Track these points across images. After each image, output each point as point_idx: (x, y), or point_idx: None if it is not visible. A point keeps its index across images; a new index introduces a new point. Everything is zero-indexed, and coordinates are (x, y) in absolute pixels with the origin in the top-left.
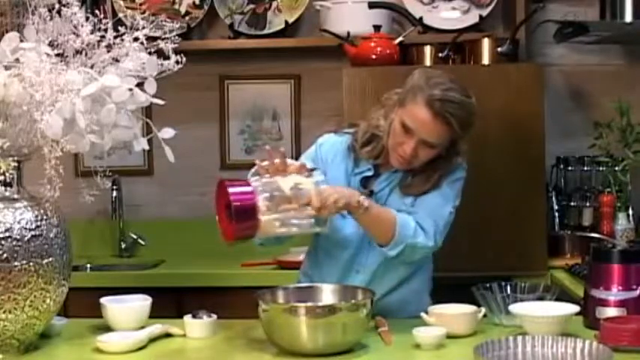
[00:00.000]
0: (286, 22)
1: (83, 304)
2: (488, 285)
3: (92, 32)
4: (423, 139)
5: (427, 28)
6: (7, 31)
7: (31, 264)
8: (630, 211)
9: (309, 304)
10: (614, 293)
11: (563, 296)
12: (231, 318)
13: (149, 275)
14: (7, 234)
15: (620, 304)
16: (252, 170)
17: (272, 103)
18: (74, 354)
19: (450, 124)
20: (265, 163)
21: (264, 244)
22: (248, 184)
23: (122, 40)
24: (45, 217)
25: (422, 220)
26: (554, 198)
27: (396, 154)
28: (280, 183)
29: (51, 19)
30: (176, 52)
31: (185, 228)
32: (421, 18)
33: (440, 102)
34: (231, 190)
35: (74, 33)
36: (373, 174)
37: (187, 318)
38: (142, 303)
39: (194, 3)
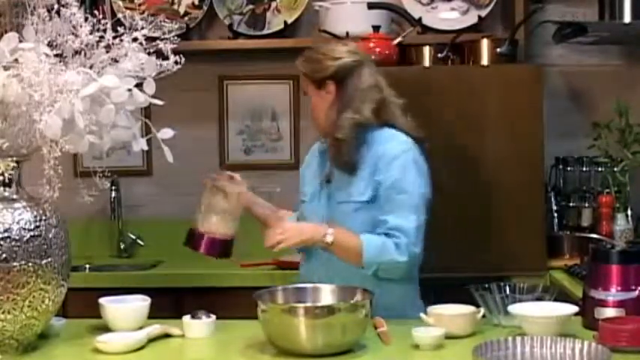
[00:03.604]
0: (285, 22)
1: (82, 305)
2: (487, 285)
3: (91, 33)
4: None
5: (426, 29)
6: (6, 32)
7: (30, 264)
8: (629, 212)
9: (308, 304)
10: (613, 294)
11: (562, 297)
12: (230, 318)
13: (148, 275)
14: (5, 234)
15: (619, 304)
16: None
17: (271, 104)
18: (73, 354)
19: (302, 71)
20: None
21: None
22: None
23: (121, 40)
24: (44, 218)
25: (394, 236)
26: (553, 198)
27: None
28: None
29: (50, 19)
30: (175, 52)
31: (184, 228)
32: (420, 18)
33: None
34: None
35: (73, 33)
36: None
37: (186, 318)
38: (140, 303)
39: (193, 3)
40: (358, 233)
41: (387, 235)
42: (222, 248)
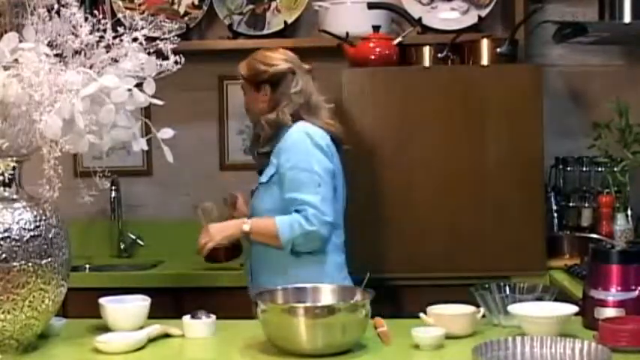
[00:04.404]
0: (285, 22)
1: (82, 305)
2: (486, 285)
3: (91, 32)
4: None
5: (426, 29)
6: (6, 32)
7: (30, 264)
8: (629, 212)
9: (308, 304)
10: (613, 294)
11: (562, 297)
12: (230, 318)
13: (148, 275)
14: (5, 234)
15: (619, 304)
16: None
17: None
18: (73, 354)
19: (243, 75)
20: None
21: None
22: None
23: (121, 40)
24: (44, 218)
25: (303, 210)
26: (552, 198)
27: None
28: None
29: (50, 19)
30: (175, 52)
31: (184, 228)
32: (420, 18)
33: None
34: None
35: (73, 33)
36: None
37: (186, 318)
38: (140, 303)
39: (193, 3)
40: (270, 212)
41: (297, 211)
42: (236, 250)
